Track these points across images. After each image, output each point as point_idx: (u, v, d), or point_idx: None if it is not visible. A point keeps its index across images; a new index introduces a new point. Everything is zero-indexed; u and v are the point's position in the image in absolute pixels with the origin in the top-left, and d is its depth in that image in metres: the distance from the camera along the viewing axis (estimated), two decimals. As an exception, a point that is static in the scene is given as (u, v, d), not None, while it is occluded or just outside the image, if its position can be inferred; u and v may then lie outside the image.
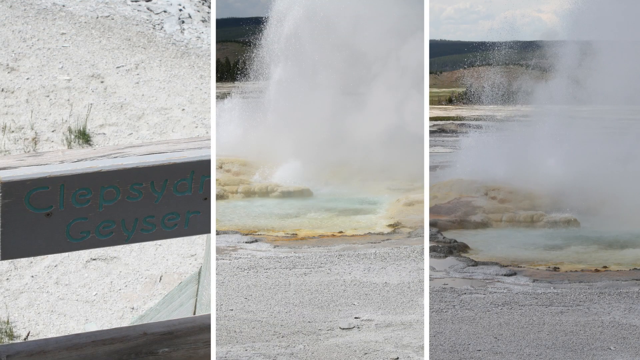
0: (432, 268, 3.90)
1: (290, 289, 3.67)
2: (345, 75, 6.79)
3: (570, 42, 6.15)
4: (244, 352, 2.64)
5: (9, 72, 6.60)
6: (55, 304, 4.63)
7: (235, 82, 8.94)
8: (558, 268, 3.79)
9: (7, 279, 4.72)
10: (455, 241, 4.28)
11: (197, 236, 4.29)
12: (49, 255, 4.66)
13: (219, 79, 14.81)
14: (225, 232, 4.51)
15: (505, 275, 3.68)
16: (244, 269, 3.82)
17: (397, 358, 2.58)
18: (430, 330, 2.79)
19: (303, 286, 3.74)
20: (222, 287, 3.47)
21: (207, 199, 1.29)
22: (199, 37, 8.14)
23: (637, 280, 3.59)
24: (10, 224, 1.07)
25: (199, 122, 6.87)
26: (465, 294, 3.41)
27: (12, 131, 5.85)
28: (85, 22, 7.56)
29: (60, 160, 1.13)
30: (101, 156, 1.18)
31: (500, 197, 5.22)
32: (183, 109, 6.87)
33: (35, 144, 5.83)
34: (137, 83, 6.96)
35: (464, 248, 4.18)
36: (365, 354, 2.76)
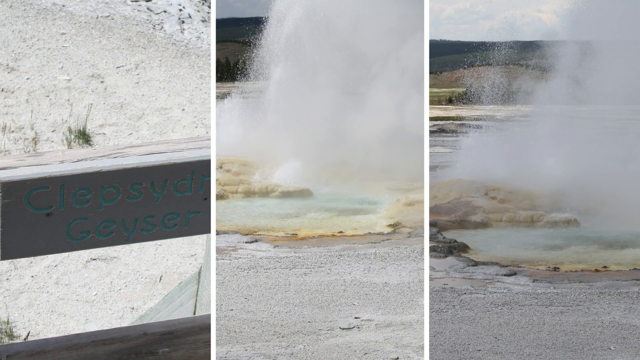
0: (432, 268, 3.94)
1: (290, 289, 3.68)
2: (345, 75, 6.86)
3: (570, 42, 6.20)
4: (244, 352, 2.65)
5: (9, 72, 6.65)
6: (55, 304, 4.68)
7: (235, 82, 9.01)
8: (558, 268, 3.84)
9: (7, 279, 4.76)
10: (455, 241, 4.34)
11: (197, 236, 4.33)
12: (49, 255, 4.69)
13: (219, 79, 14.94)
14: (225, 232, 4.54)
15: (505, 275, 3.73)
16: (244, 269, 3.84)
17: (397, 358, 2.59)
18: (430, 330, 2.81)
19: (303, 286, 3.76)
20: (222, 287, 3.49)
21: (207, 199, 1.30)
22: (199, 37, 8.20)
23: (637, 280, 3.63)
24: (10, 224, 1.08)
25: (199, 122, 6.93)
26: (465, 294, 3.44)
27: (12, 131, 5.88)
28: (85, 22, 7.60)
29: (60, 160, 1.14)
30: (101, 156, 1.19)
31: (500, 197, 5.28)
32: (183, 109, 6.92)
33: (35, 144, 5.87)
34: (137, 83, 7.01)
35: (463, 248, 4.24)
36: (365, 354, 2.78)
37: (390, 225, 4.85)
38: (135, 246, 5.07)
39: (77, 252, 4.62)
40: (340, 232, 4.75)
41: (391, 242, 4.59)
